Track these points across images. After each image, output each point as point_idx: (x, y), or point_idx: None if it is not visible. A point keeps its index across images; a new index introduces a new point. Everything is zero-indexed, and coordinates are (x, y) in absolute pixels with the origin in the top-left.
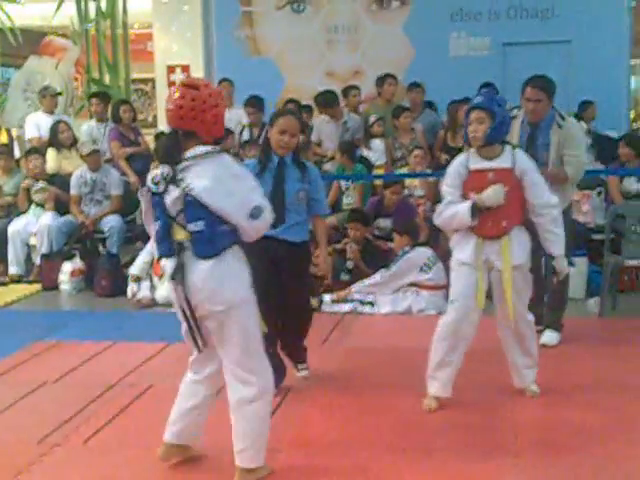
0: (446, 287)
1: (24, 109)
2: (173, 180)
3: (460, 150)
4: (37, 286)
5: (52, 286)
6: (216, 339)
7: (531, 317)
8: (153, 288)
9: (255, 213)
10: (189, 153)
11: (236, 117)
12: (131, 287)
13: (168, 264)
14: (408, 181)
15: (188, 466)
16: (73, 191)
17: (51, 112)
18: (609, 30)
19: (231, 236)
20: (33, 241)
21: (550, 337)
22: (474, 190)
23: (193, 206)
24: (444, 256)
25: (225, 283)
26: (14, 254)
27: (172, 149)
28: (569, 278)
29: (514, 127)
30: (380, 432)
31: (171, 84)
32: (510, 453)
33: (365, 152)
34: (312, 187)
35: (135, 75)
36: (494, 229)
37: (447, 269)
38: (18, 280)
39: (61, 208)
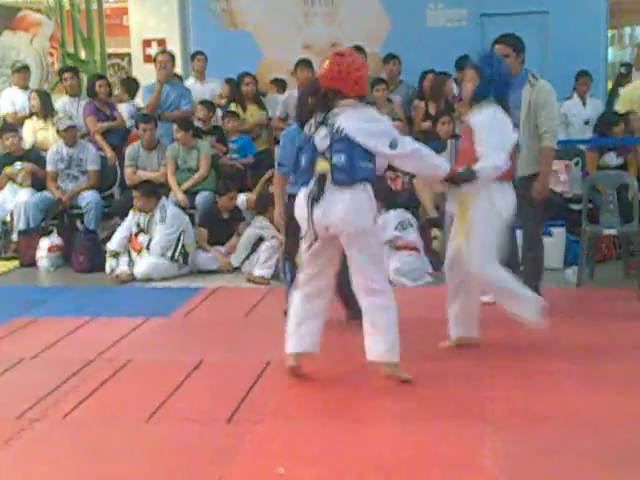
0: (418, 250)
1: None
2: (324, 122)
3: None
4: (15, 262)
5: (30, 262)
6: (348, 257)
7: (491, 268)
8: (131, 263)
9: (393, 144)
10: (339, 104)
11: (210, 90)
12: (109, 263)
13: (304, 191)
14: None
15: (169, 437)
16: (49, 167)
17: (25, 87)
18: (586, 1)
19: (365, 172)
20: (10, 218)
21: None
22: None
23: (339, 143)
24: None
25: (356, 211)
26: None
27: (322, 102)
28: (543, 249)
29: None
30: (358, 402)
31: (147, 58)
32: (487, 422)
33: None
34: None
35: (111, 50)
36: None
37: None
38: None
39: (38, 184)
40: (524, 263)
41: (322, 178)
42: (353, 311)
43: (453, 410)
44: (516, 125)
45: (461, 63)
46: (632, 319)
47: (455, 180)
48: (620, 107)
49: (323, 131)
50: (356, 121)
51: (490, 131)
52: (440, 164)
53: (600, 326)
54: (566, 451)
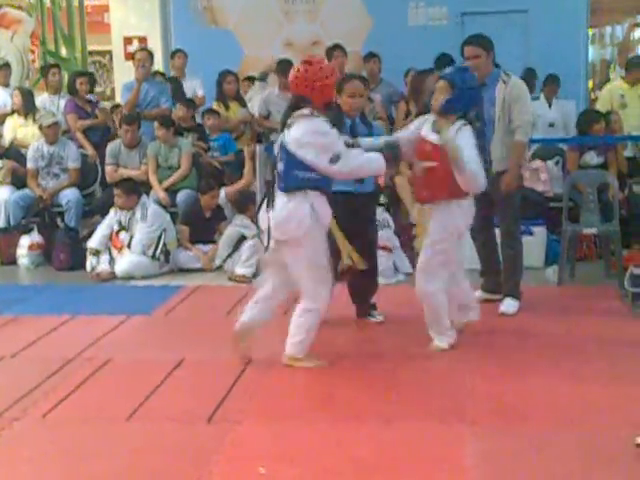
0: (391, 249)
1: None
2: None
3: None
4: None
5: (10, 260)
6: (287, 261)
7: (430, 288)
8: (112, 261)
9: (334, 159)
10: (296, 113)
11: (191, 88)
12: (90, 261)
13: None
14: None
15: (149, 436)
16: (30, 164)
17: (6, 84)
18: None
19: (303, 182)
20: None
21: (508, 305)
22: (415, 155)
23: (283, 151)
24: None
25: (287, 219)
26: None
27: (288, 109)
28: (522, 245)
29: None
30: (339, 401)
31: (128, 56)
32: (467, 420)
33: None
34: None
35: (93, 47)
36: (419, 196)
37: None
38: None
39: (18, 182)
40: (503, 260)
41: (272, 185)
42: (361, 309)
43: (433, 409)
44: (490, 123)
45: (441, 61)
46: (613, 317)
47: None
48: (600, 106)
49: (280, 138)
50: (301, 132)
51: (469, 149)
52: (378, 168)
53: (582, 325)
54: (547, 450)
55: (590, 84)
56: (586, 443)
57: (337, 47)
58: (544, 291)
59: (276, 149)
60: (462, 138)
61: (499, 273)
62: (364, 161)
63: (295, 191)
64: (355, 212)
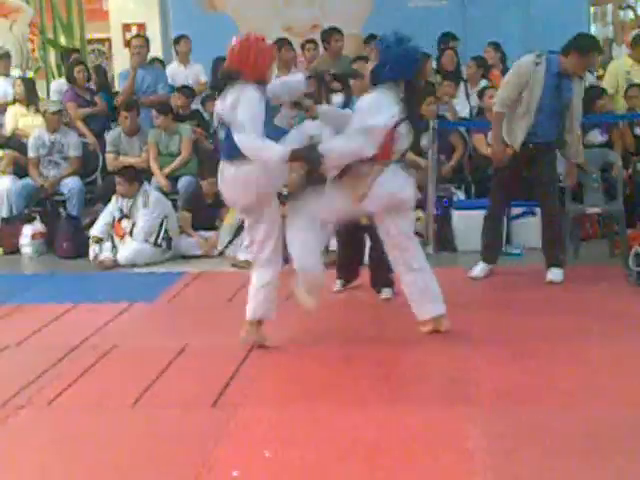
0: None
1: None
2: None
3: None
4: None
5: (13, 250)
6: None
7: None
8: (114, 249)
9: (239, 128)
10: (233, 85)
11: (194, 74)
12: (92, 249)
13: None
14: None
15: (154, 422)
16: (31, 153)
17: (6, 74)
18: None
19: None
20: None
21: (556, 274)
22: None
23: (222, 120)
24: None
25: (238, 187)
26: None
27: (225, 80)
28: (562, 224)
29: (536, 72)
30: (343, 385)
31: (127, 43)
32: (471, 403)
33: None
34: None
35: (92, 35)
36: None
37: None
38: None
39: (19, 171)
40: (547, 233)
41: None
42: (374, 280)
43: (438, 392)
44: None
45: (445, 39)
46: (618, 298)
47: (297, 158)
48: (607, 85)
49: (217, 107)
50: (227, 100)
51: (361, 113)
52: (274, 154)
53: (586, 305)
54: (552, 432)
55: None
56: (591, 424)
57: (334, 30)
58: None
59: (215, 120)
60: (360, 103)
61: (501, 246)
62: (258, 146)
63: (240, 158)
64: None
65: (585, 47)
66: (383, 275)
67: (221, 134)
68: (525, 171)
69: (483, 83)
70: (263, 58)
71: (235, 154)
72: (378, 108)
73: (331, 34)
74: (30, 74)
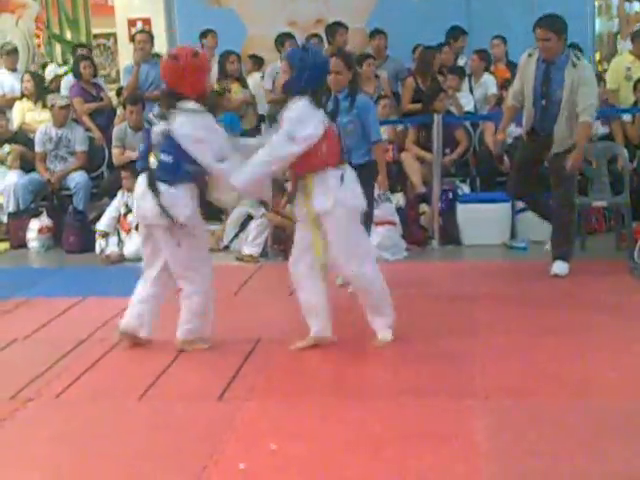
0: (396, 224)
1: None
2: (164, 117)
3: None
4: (5, 244)
5: (20, 244)
6: (163, 247)
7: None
8: (121, 243)
9: (220, 158)
10: (180, 104)
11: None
12: (99, 243)
13: (141, 178)
14: None
15: (161, 415)
16: (38, 148)
17: (13, 69)
18: None
19: (189, 175)
20: (0, 200)
21: (560, 267)
22: None
23: (169, 141)
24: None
25: (171, 206)
26: None
27: (165, 99)
28: (575, 214)
29: (530, 63)
30: (348, 379)
31: (132, 38)
32: (477, 395)
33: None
34: (361, 118)
35: (97, 30)
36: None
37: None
38: None
39: (26, 166)
40: (557, 226)
41: (151, 171)
42: None
43: (444, 385)
44: (558, 102)
45: (453, 33)
46: (623, 291)
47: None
48: (609, 81)
49: (161, 126)
50: (191, 127)
51: (288, 123)
52: (237, 184)
53: (591, 298)
54: (556, 424)
55: (597, 56)
56: (596, 416)
57: (338, 24)
58: None
59: (155, 137)
60: (286, 114)
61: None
62: (243, 169)
63: (180, 183)
64: None
65: (533, 26)
66: None
67: (165, 157)
68: (542, 160)
69: (485, 77)
70: (198, 74)
71: (181, 177)
72: (305, 118)
73: (336, 29)
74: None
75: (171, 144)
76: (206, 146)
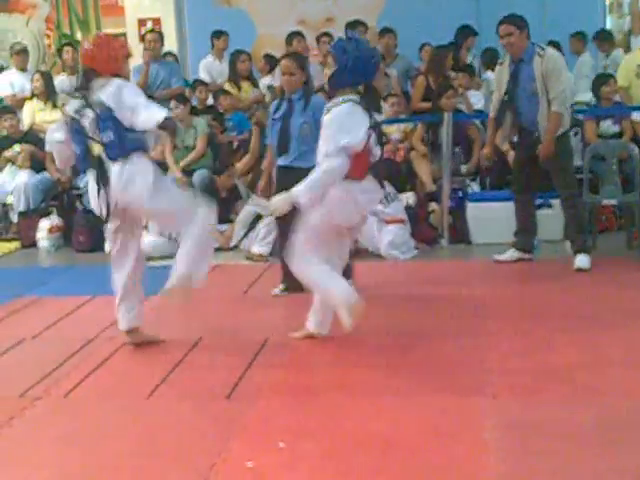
0: (405, 222)
1: None
2: (88, 105)
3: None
4: (15, 244)
5: (30, 243)
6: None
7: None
8: None
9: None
10: (95, 84)
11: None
12: (109, 242)
13: (90, 175)
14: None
15: (169, 414)
16: (48, 148)
17: (23, 69)
18: None
19: (137, 143)
20: (10, 200)
21: (582, 261)
22: None
23: (104, 121)
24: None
25: (134, 179)
26: None
27: (83, 80)
28: (581, 204)
29: (502, 71)
30: (356, 377)
31: (142, 38)
32: (486, 394)
33: None
34: (316, 119)
35: (107, 30)
36: None
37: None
38: None
39: (37, 166)
40: (567, 220)
41: (100, 159)
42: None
43: (452, 384)
44: (532, 95)
45: (462, 33)
46: (635, 290)
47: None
48: (620, 79)
49: (90, 114)
50: (108, 89)
51: (332, 130)
52: (154, 112)
53: (602, 296)
54: (567, 423)
55: None
56: (606, 415)
57: (359, 23)
58: (563, 264)
59: (90, 127)
60: (328, 115)
61: (533, 234)
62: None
63: (132, 154)
64: (292, 185)
65: (496, 26)
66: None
67: (107, 135)
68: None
69: (488, 75)
70: (114, 53)
71: (131, 149)
72: (351, 124)
73: (355, 26)
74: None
75: (105, 123)
76: (129, 108)
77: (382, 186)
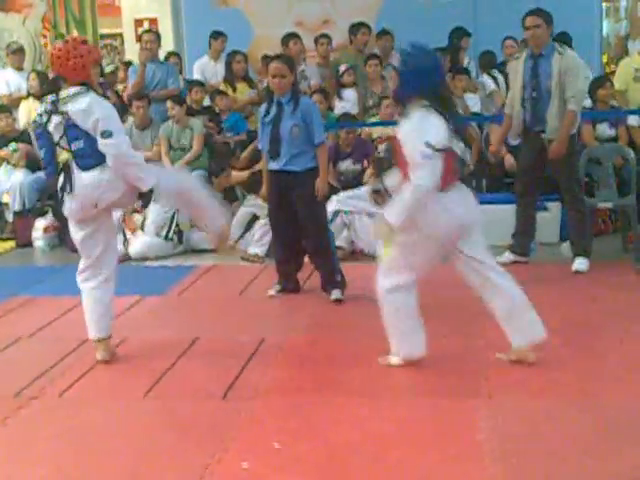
0: None
1: None
2: (55, 111)
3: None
4: (11, 243)
5: (26, 243)
6: (89, 231)
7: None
8: (126, 243)
9: (106, 133)
10: (65, 92)
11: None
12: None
13: (58, 181)
14: (380, 130)
15: (165, 414)
16: None
17: (19, 68)
18: None
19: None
20: (6, 199)
21: (580, 263)
22: None
23: (73, 130)
24: None
25: (105, 189)
26: None
27: (52, 86)
28: (586, 207)
29: (517, 67)
30: (353, 379)
31: (139, 38)
32: (482, 396)
33: (337, 102)
34: (306, 120)
35: (104, 31)
36: None
37: None
38: None
39: (32, 165)
40: (570, 223)
41: (67, 167)
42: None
43: (448, 386)
44: (547, 93)
45: (456, 34)
46: (629, 292)
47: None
48: (617, 83)
49: (56, 119)
50: (78, 106)
51: (411, 139)
52: (145, 179)
53: (597, 300)
54: (562, 425)
55: (604, 58)
56: (602, 416)
57: (362, 25)
58: (559, 266)
59: (56, 132)
60: (404, 128)
61: (531, 237)
62: (137, 160)
63: (97, 165)
64: (284, 189)
65: (522, 18)
66: (328, 277)
67: (77, 144)
68: (543, 162)
69: (484, 78)
70: (82, 60)
71: (99, 161)
72: (429, 127)
73: (359, 28)
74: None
75: (73, 132)
76: (93, 123)
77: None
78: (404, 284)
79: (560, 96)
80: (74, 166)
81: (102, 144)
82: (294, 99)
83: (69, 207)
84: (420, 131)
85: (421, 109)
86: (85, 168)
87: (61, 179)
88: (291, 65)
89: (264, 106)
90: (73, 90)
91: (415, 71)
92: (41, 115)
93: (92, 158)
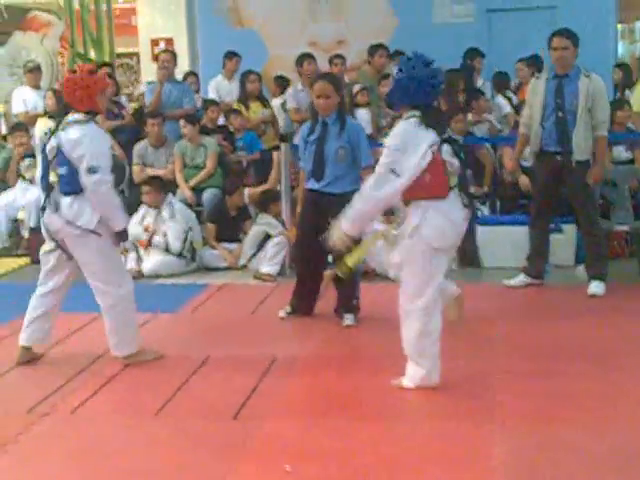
0: None
1: (10, 85)
2: (54, 134)
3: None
4: (26, 260)
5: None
6: (76, 258)
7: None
8: (139, 260)
9: (92, 169)
10: (68, 117)
11: (236, 89)
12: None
13: (42, 197)
14: None
15: (176, 433)
16: None
17: (37, 86)
18: None
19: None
20: (21, 215)
21: (597, 287)
22: None
23: (61, 155)
24: None
25: (80, 214)
26: None
27: (59, 113)
28: (603, 231)
29: (537, 87)
30: (365, 400)
31: (155, 57)
32: (495, 421)
33: None
34: (352, 143)
35: (120, 50)
36: None
37: None
38: None
39: None
40: (587, 246)
41: (51, 187)
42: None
43: (462, 409)
44: (571, 113)
45: (470, 55)
46: None
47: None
48: (635, 105)
49: (52, 142)
50: (70, 135)
51: (387, 149)
52: (120, 219)
53: (613, 324)
54: (576, 451)
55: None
56: (616, 443)
57: (381, 47)
58: (574, 289)
59: (50, 154)
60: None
61: (546, 259)
62: (115, 201)
63: (73, 194)
64: (320, 211)
65: (549, 38)
66: (346, 300)
67: (62, 169)
68: (557, 181)
69: (499, 99)
70: (89, 91)
71: (79, 188)
72: (409, 145)
73: (377, 49)
74: None
75: (61, 157)
76: (79, 158)
77: (469, 200)
78: (433, 303)
79: (586, 118)
80: (57, 188)
81: (85, 178)
82: (340, 120)
83: (43, 226)
84: (400, 147)
85: (409, 120)
86: (64, 193)
87: (43, 198)
88: (337, 85)
89: (308, 124)
90: (74, 117)
91: (410, 79)
92: (46, 133)
93: (70, 186)
